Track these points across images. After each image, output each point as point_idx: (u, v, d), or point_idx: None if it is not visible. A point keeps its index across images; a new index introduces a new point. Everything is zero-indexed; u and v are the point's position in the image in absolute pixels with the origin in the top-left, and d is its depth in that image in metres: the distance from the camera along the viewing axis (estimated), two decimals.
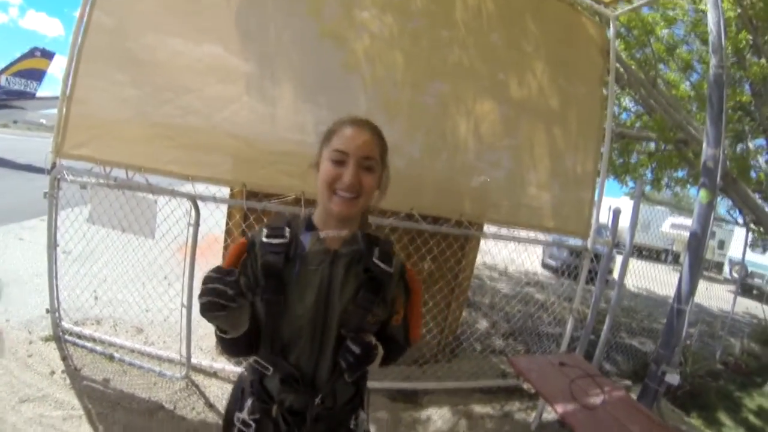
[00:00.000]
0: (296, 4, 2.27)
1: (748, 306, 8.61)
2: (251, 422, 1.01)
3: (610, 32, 2.87)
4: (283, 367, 0.97)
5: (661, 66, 5.14)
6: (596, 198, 2.92)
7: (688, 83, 5.74)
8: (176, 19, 2.18)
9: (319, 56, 2.28)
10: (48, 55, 16.51)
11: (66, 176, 2.35)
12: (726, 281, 12.44)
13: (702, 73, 5.56)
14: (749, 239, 6.72)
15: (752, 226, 6.02)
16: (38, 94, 16.69)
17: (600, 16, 3.23)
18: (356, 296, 0.97)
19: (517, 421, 2.98)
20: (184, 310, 2.42)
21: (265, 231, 1.01)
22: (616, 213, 3.06)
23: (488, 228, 2.77)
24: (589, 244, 2.87)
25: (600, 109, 2.88)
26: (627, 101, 5.96)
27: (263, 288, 0.95)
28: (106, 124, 2.20)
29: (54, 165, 2.28)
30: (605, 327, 3.41)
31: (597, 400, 2.13)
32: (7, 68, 16.12)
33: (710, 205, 2.66)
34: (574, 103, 2.76)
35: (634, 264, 3.26)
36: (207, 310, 0.77)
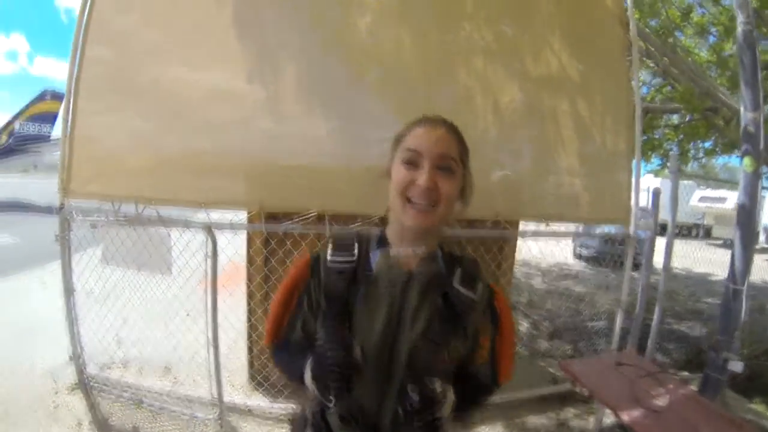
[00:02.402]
0: (298, 18, 2.16)
1: None
2: None
3: (628, 1, 2.66)
4: (343, 402, 0.82)
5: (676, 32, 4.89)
6: (633, 179, 2.70)
7: (703, 49, 5.49)
8: (178, 48, 2.12)
9: (324, 67, 2.16)
10: (59, 97, 16.93)
11: (75, 216, 2.26)
12: (763, 250, 11.90)
13: (719, 36, 5.30)
14: None
15: None
16: (52, 136, 17.06)
17: None
18: (429, 328, 0.82)
19: (575, 429, 2.77)
20: (212, 348, 2.29)
21: (330, 247, 0.89)
22: (656, 194, 2.84)
23: (525, 225, 2.58)
24: (631, 231, 2.65)
25: (626, 83, 2.68)
26: (644, 74, 5.66)
27: (325, 313, 0.85)
28: (111, 158, 2.13)
29: (62, 206, 2.19)
30: (655, 316, 3.19)
31: (662, 401, 1.93)
32: (19, 114, 16.57)
33: (756, 173, 2.46)
34: (598, 79, 2.57)
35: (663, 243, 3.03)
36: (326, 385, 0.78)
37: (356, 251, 0.87)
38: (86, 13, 2.10)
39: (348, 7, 2.20)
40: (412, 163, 0.82)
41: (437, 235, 0.90)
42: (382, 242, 0.89)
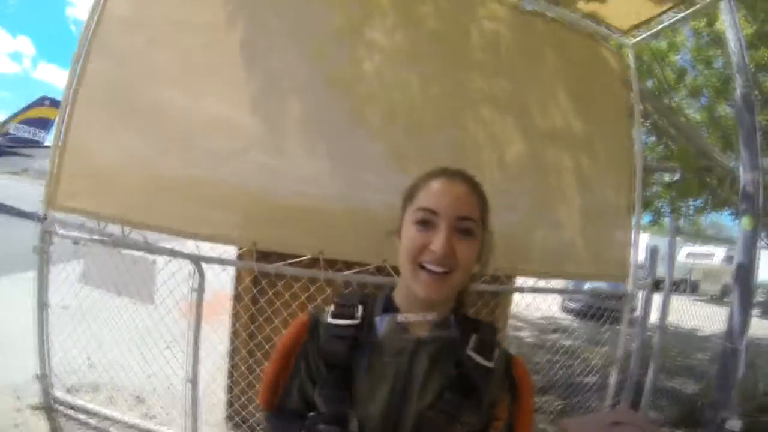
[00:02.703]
0: (306, 50, 2.15)
1: None
2: None
3: (631, 62, 2.73)
4: None
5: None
6: (632, 236, 2.69)
7: (694, 110, 5.68)
8: (182, 72, 2.08)
9: (328, 104, 2.13)
10: (56, 105, 16.87)
11: (57, 229, 2.16)
12: (756, 305, 11.95)
13: (710, 98, 5.49)
14: None
15: None
16: (46, 142, 16.91)
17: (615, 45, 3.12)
18: (440, 398, 0.73)
19: None
20: (189, 384, 2.15)
21: (331, 308, 0.82)
22: (654, 251, 2.84)
23: (524, 281, 2.53)
24: (629, 288, 2.62)
25: (627, 141, 2.71)
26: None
27: (323, 381, 0.77)
28: (101, 175, 2.05)
29: (45, 216, 2.09)
30: (650, 372, 3.13)
31: None
32: (15, 116, 16.45)
33: (755, 232, 2.49)
34: (601, 136, 2.60)
35: (657, 299, 3.01)
36: None
37: (359, 315, 0.79)
38: (93, 26, 2.08)
39: (357, 45, 2.19)
40: (426, 223, 0.73)
41: (452, 300, 0.82)
42: (389, 307, 0.81)
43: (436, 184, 0.76)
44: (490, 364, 0.76)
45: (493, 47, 2.35)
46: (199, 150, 2.05)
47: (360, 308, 0.80)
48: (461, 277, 0.74)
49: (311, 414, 0.78)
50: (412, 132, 2.19)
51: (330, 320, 0.80)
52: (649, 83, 4.78)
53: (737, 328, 2.55)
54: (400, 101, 2.20)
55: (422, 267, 0.73)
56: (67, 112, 2.06)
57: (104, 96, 2.07)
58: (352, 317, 0.79)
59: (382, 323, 0.78)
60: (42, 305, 2.30)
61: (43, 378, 2.37)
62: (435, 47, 2.27)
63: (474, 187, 0.79)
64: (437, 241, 0.71)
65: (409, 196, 0.80)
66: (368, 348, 0.77)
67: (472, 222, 0.74)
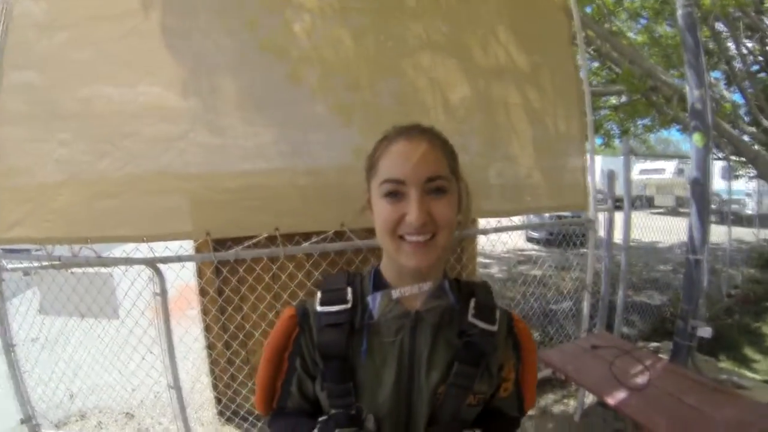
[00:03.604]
0: (230, 23, 2.00)
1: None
2: None
3: None
4: None
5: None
6: (588, 162, 2.73)
7: (634, 33, 5.77)
8: (109, 66, 1.90)
9: (261, 72, 2.01)
10: None
11: (5, 265, 2.02)
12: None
13: (650, 19, 5.58)
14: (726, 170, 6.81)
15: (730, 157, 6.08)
16: None
17: None
18: (449, 372, 0.71)
19: (558, 415, 2.79)
20: (173, 391, 2.09)
21: (319, 295, 0.76)
22: (611, 176, 2.91)
23: (487, 222, 2.53)
24: (591, 215, 2.69)
25: (574, 69, 2.71)
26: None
27: (323, 374, 0.72)
28: (39, 195, 1.88)
29: None
30: (620, 292, 3.29)
31: (642, 378, 1.99)
32: None
33: (707, 148, 2.56)
34: (546, 68, 2.57)
35: (618, 219, 3.12)
36: None
37: (350, 297, 0.75)
38: (3, 37, 1.87)
39: (283, 9, 2.06)
40: (395, 194, 0.68)
41: (443, 264, 0.77)
42: (379, 283, 0.76)
43: (396, 148, 0.70)
44: (493, 328, 0.74)
45: None
46: (134, 142, 1.90)
47: (349, 290, 0.75)
48: (446, 237, 0.69)
49: (321, 418, 0.72)
50: (350, 86, 2.10)
51: (319, 308, 0.75)
52: (589, 9, 4.77)
53: (698, 241, 2.66)
54: (336, 58, 2.09)
55: (402, 239, 0.68)
56: None
57: (29, 108, 1.89)
58: (343, 301, 0.74)
59: (375, 302, 0.73)
60: (7, 347, 2.16)
61: (29, 420, 2.25)
62: (364, 1, 2.15)
63: (436, 139, 0.73)
64: (411, 212, 0.66)
65: (371, 165, 0.74)
66: (365, 331, 0.72)
67: (442, 180, 0.69)
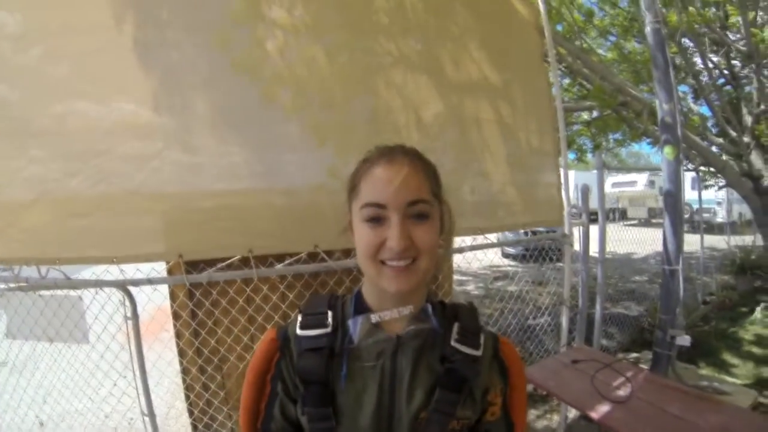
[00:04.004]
0: (203, 39, 1.99)
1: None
2: None
3: (541, 8, 2.76)
4: None
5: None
6: (561, 178, 2.78)
7: (604, 49, 5.98)
8: (83, 81, 1.86)
9: (234, 92, 2.00)
10: None
11: None
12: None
13: (619, 36, 5.79)
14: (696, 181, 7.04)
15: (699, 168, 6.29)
16: None
17: None
18: (431, 398, 0.70)
19: (541, 430, 2.79)
20: (146, 418, 2.02)
21: (299, 319, 0.76)
22: (585, 191, 2.97)
23: (462, 240, 2.55)
24: (566, 230, 2.73)
25: (546, 85, 2.78)
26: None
27: (303, 398, 0.72)
28: (8, 214, 1.82)
29: None
30: (597, 305, 3.33)
31: (624, 390, 1.99)
32: None
33: (677, 160, 2.63)
34: (518, 84, 2.62)
35: (593, 232, 3.18)
36: None
37: (330, 321, 0.74)
38: None
39: (257, 26, 2.06)
40: (376, 219, 0.68)
41: (425, 288, 0.77)
42: (361, 307, 0.77)
43: (377, 171, 0.70)
44: (477, 353, 0.73)
45: (399, 9, 2.28)
46: (107, 160, 1.86)
47: (330, 314, 0.75)
48: (427, 261, 0.70)
49: (273, 425, 0.74)
50: (324, 105, 2.11)
51: (299, 332, 0.74)
52: (560, 27, 4.93)
53: (672, 251, 2.72)
54: (309, 77, 2.10)
55: (384, 264, 0.69)
56: None
57: (2, 125, 1.82)
58: (323, 325, 0.74)
59: (356, 326, 0.73)
60: None
61: None
62: (338, 17, 2.17)
63: (418, 162, 0.73)
64: (392, 237, 0.66)
65: (352, 187, 0.75)
66: (345, 356, 0.72)
67: (424, 204, 0.69)
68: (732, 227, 8.89)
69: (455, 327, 0.75)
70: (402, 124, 2.25)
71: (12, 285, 1.91)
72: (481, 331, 0.77)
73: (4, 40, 1.84)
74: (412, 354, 0.72)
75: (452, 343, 0.73)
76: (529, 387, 2.92)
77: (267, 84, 2.04)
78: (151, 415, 2.02)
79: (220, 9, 2.01)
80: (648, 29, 2.56)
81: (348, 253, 2.03)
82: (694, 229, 6.91)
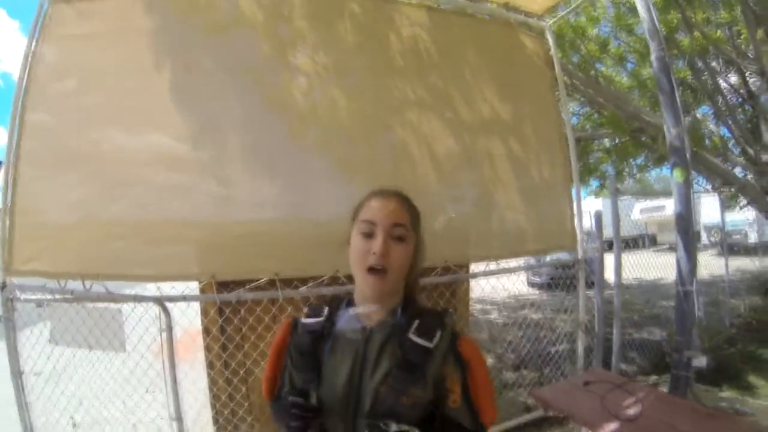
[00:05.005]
0: (236, 82, 2.20)
1: (734, 264, 8.71)
2: None
3: (550, 42, 2.89)
4: None
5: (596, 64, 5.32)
6: (575, 206, 2.85)
7: (624, 75, 5.99)
8: (117, 113, 2.08)
9: (266, 127, 2.20)
10: None
11: (19, 296, 2.11)
12: (705, 247, 12.62)
13: (636, 62, 5.81)
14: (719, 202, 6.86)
15: (721, 189, 6.15)
16: None
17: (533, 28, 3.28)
18: (388, 376, 0.90)
19: None
20: (175, 423, 2.16)
21: (305, 311, 1.03)
22: (598, 217, 3.02)
23: (476, 266, 2.64)
24: (579, 255, 2.79)
25: (557, 117, 2.88)
26: (573, 105, 6.08)
27: (296, 365, 0.97)
28: (55, 233, 2.04)
29: (4, 285, 2.06)
30: (615, 329, 3.31)
31: (635, 409, 1.99)
32: None
33: (687, 182, 2.64)
34: (530, 117, 2.75)
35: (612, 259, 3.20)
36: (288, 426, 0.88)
37: (325, 313, 0.99)
38: (25, 77, 2.04)
39: (281, 71, 2.26)
40: (368, 233, 0.93)
41: (399, 294, 1.00)
42: (350, 305, 1.00)
43: (375, 202, 0.98)
44: (429, 344, 0.91)
45: (413, 51, 2.46)
46: (145, 189, 2.06)
47: (326, 309, 1.00)
48: (396, 275, 0.94)
49: (285, 389, 0.98)
50: (349, 143, 2.29)
51: (303, 320, 1.01)
52: (575, 59, 5.02)
53: (686, 273, 2.69)
54: (332, 117, 2.28)
55: (368, 271, 0.91)
56: (11, 171, 2.02)
57: (45, 149, 2.05)
58: (319, 316, 0.99)
59: (342, 317, 0.98)
60: (16, 373, 2.23)
61: None
62: (357, 61, 2.36)
63: (405, 201, 1.00)
64: (376, 245, 0.91)
65: (355, 212, 1.01)
66: (331, 337, 0.96)
67: (403, 228, 0.95)
68: (763, 249, 8.57)
69: (414, 323, 0.93)
70: (418, 161, 2.42)
71: (58, 296, 2.12)
72: (442, 329, 0.94)
73: (43, 69, 2.07)
74: (379, 341, 0.93)
75: (409, 335, 0.92)
76: (541, 411, 2.93)
77: (295, 123, 2.24)
78: (179, 419, 2.17)
79: (253, 53, 2.23)
80: (653, 57, 2.62)
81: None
82: (724, 251, 6.72)
